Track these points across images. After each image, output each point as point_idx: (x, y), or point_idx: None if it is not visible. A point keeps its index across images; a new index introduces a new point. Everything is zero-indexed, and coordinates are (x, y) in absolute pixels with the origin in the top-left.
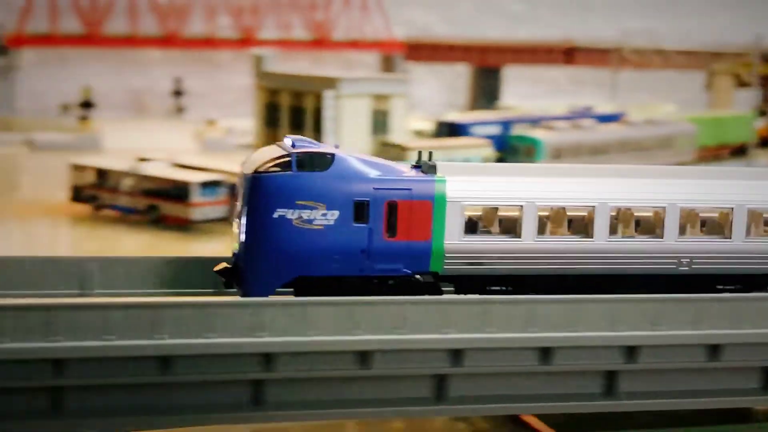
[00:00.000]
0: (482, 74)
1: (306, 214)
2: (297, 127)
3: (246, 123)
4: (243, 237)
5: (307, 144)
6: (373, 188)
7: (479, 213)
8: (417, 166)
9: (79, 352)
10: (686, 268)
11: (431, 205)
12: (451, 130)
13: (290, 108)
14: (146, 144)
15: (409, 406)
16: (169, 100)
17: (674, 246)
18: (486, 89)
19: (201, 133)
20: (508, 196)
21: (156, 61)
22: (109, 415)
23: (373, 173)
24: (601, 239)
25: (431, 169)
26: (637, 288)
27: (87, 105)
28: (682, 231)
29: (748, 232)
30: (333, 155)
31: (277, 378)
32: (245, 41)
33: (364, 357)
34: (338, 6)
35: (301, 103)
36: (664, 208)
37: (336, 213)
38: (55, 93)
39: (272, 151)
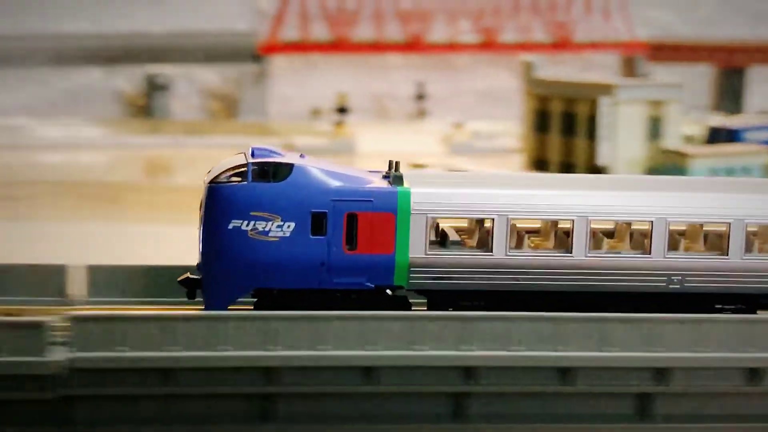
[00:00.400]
0: (726, 75)
1: (261, 226)
2: (568, 133)
3: (491, 126)
4: (201, 247)
5: (267, 153)
6: (331, 200)
7: (448, 225)
8: (387, 176)
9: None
10: (678, 286)
11: (394, 217)
12: (723, 135)
13: (561, 114)
14: (396, 148)
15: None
16: (410, 104)
17: (663, 263)
18: (730, 91)
19: (449, 137)
20: (478, 208)
21: (397, 66)
22: (515, 420)
23: (334, 184)
24: (580, 254)
25: (398, 179)
26: (624, 306)
27: (342, 110)
28: (674, 247)
29: (747, 249)
30: (292, 165)
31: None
32: (487, 45)
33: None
34: (579, 7)
35: (574, 109)
36: (651, 222)
37: (292, 225)
38: (301, 98)
39: (234, 161)
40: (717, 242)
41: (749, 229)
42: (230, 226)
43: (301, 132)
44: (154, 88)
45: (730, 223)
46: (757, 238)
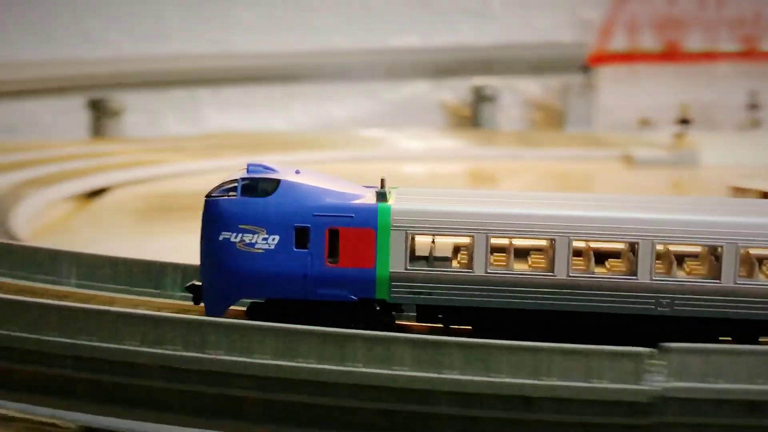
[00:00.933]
0: None
1: (248, 238)
2: None
3: None
4: (199, 257)
5: (261, 170)
6: (314, 215)
7: (431, 241)
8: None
9: None
10: (667, 309)
11: (374, 233)
12: None
13: None
14: (740, 159)
15: None
16: (741, 114)
17: (650, 285)
18: None
19: None
20: (459, 225)
21: (724, 74)
22: None
23: (317, 200)
24: (562, 274)
25: (381, 196)
26: (612, 329)
27: (684, 122)
28: (665, 269)
29: (740, 273)
30: (278, 181)
31: None
32: None
33: None
34: None
35: None
36: (636, 243)
37: (276, 237)
38: (625, 108)
39: (232, 176)
40: (709, 265)
41: (745, 252)
42: (221, 238)
43: (635, 143)
44: (481, 99)
45: (722, 246)
46: (753, 261)
